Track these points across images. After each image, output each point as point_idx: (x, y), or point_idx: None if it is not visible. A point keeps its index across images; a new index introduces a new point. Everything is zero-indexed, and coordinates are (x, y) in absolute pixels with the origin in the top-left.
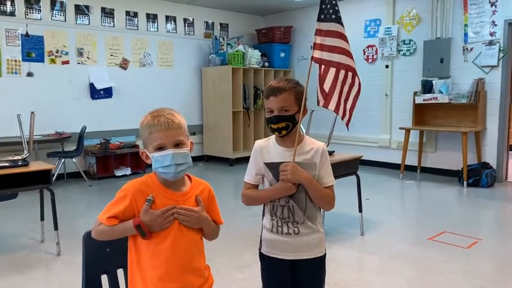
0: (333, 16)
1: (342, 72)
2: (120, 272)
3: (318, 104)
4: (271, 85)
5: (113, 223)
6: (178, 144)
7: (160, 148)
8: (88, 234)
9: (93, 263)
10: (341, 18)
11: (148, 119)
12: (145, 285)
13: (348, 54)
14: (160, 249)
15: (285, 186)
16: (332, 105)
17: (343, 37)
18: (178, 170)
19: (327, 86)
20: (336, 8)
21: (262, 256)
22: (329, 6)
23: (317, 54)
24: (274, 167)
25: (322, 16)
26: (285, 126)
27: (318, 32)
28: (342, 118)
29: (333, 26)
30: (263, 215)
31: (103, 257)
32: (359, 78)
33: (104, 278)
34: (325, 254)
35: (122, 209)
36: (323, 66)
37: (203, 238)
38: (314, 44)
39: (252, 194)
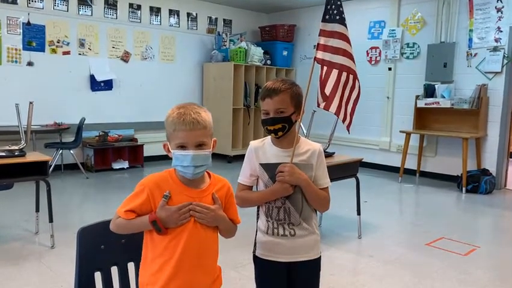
0: (337, 17)
1: (344, 74)
2: (114, 270)
3: (318, 106)
4: (266, 86)
5: (131, 217)
6: (200, 145)
7: (181, 147)
8: (83, 230)
9: (87, 259)
10: (345, 20)
11: (174, 116)
12: (155, 280)
13: (350, 56)
14: (174, 245)
15: (282, 188)
16: (333, 107)
17: (346, 39)
18: (196, 171)
19: (328, 88)
20: (341, 9)
21: (256, 259)
22: (333, 6)
23: (320, 55)
24: (270, 168)
25: (327, 16)
26: (281, 127)
27: (322, 33)
28: (343, 121)
29: (337, 27)
30: (257, 217)
31: (97, 254)
32: (359, 81)
33: (98, 275)
34: (320, 256)
35: (139, 203)
36: (325, 68)
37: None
38: (318, 44)
39: (247, 195)
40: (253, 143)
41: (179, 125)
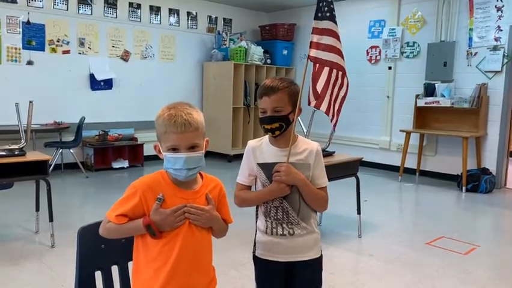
0: (328, 14)
1: (335, 72)
2: (114, 269)
3: (309, 104)
4: (264, 84)
5: (122, 221)
6: (192, 147)
7: (173, 149)
8: (83, 229)
9: (87, 259)
10: (335, 17)
11: (165, 117)
12: (151, 283)
13: (339, 52)
14: (169, 249)
15: (279, 188)
16: (324, 106)
17: (335, 35)
18: (189, 174)
19: (319, 87)
20: (332, 6)
21: (256, 259)
22: (324, 3)
23: (313, 53)
24: (267, 168)
25: (319, 14)
26: (279, 126)
27: (315, 31)
28: (332, 120)
29: (329, 25)
30: (256, 217)
31: (97, 253)
32: (347, 78)
33: (98, 275)
34: (321, 255)
35: (131, 206)
36: (317, 65)
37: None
38: (311, 42)
39: (245, 195)
40: (250, 143)
41: (171, 127)
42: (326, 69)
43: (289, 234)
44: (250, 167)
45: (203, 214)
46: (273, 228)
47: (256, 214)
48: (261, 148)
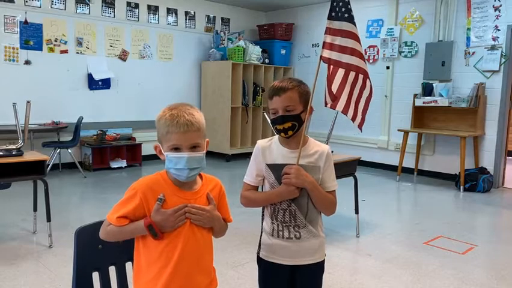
0: (346, 15)
1: (353, 74)
2: (112, 270)
3: (325, 105)
4: (274, 85)
5: (123, 223)
6: (194, 147)
7: (175, 149)
8: (80, 230)
9: (85, 259)
10: (354, 18)
11: (167, 117)
12: (153, 285)
13: (360, 55)
14: (170, 249)
15: (288, 190)
16: (340, 106)
17: (355, 37)
18: (191, 174)
19: (335, 87)
20: (349, 6)
21: (260, 261)
22: (340, 4)
23: (326, 53)
24: (276, 169)
25: (333, 14)
26: (291, 126)
27: (329, 31)
28: (353, 120)
29: (345, 26)
30: (262, 218)
31: (95, 254)
32: (370, 80)
33: (96, 275)
34: (324, 259)
35: (132, 208)
36: (331, 67)
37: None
38: (324, 43)
39: (252, 196)
40: (260, 143)
41: (173, 127)
42: (342, 71)
43: (296, 238)
44: (259, 168)
45: (204, 214)
46: (279, 230)
47: (262, 215)
48: (270, 148)
